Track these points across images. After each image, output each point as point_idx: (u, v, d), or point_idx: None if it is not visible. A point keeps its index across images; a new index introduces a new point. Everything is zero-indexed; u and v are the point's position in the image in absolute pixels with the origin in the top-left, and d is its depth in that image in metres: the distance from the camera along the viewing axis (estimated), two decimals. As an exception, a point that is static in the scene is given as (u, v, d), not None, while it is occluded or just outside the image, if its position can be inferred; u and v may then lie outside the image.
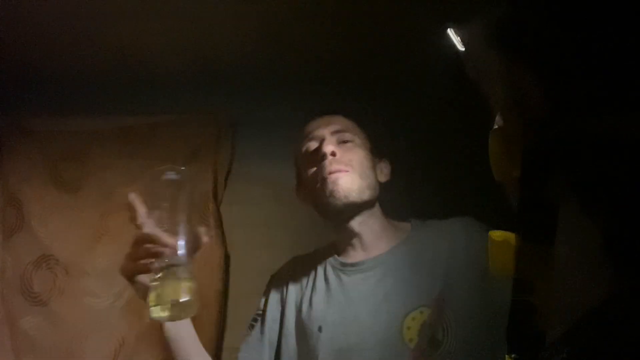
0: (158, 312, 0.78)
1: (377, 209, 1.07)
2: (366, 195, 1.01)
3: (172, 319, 0.82)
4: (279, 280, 1.13)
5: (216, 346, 1.60)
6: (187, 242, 0.83)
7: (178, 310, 0.79)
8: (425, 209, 1.25)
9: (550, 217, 0.54)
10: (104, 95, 1.80)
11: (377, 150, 1.11)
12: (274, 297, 1.10)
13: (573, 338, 0.47)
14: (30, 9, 1.38)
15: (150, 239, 0.82)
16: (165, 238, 0.81)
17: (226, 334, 1.64)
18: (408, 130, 1.63)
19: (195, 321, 0.97)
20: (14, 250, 1.74)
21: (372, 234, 1.04)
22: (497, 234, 0.67)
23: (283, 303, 1.08)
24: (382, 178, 1.09)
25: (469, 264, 0.94)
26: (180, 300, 0.78)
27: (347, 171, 1.00)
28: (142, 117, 1.81)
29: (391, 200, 1.12)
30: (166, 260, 0.80)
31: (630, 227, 0.48)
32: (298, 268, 1.12)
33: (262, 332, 1.08)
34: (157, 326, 1.71)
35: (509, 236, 0.65)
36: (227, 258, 1.70)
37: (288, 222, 1.66)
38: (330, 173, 1.00)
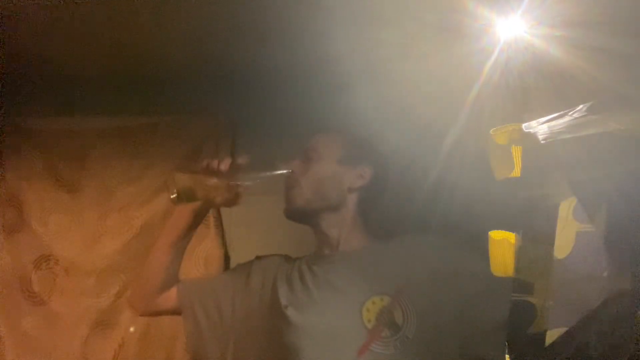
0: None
1: (346, 212, 1.18)
2: (319, 203, 1.17)
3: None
4: (263, 262, 1.24)
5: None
6: (229, 191, 1.10)
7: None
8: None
9: (550, 217, 0.54)
10: (104, 95, 1.80)
11: (354, 157, 1.20)
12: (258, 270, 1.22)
13: (572, 338, 0.47)
14: (30, 9, 1.38)
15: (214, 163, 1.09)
16: (225, 166, 1.08)
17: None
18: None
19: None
20: (14, 250, 1.74)
21: (339, 233, 1.17)
22: (497, 234, 0.67)
23: (263, 281, 1.19)
24: (357, 183, 1.18)
25: (426, 270, 1.07)
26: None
27: (297, 187, 1.16)
28: (142, 117, 1.81)
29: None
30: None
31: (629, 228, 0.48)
32: (282, 260, 1.24)
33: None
34: (157, 327, 1.71)
35: (509, 236, 0.65)
36: (227, 258, 1.71)
37: (288, 222, 1.66)
38: (285, 188, 1.19)
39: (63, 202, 1.77)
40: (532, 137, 0.64)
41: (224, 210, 1.74)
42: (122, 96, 1.79)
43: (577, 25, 0.91)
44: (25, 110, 1.83)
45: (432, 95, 1.28)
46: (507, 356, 0.67)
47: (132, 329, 1.65)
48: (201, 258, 1.67)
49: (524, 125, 0.68)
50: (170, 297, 1.18)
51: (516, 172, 0.66)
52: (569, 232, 0.56)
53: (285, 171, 1.18)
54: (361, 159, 1.20)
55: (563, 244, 0.56)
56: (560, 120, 0.64)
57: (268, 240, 1.67)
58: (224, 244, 1.71)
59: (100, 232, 1.73)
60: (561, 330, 0.51)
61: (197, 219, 1.18)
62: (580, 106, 0.64)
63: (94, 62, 1.68)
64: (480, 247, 0.91)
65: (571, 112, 0.65)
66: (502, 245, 0.65)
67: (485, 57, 1.08)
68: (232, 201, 1.12)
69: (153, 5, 1.37)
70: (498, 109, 1.11)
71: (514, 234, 0.65)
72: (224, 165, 1.09)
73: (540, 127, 0.65)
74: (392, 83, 1.37)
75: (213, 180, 1.08)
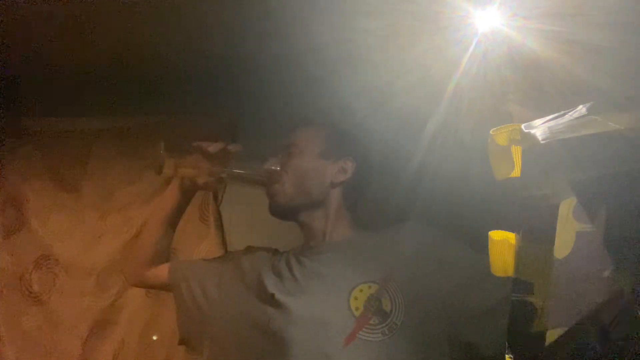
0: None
1: (330, 206, 1.18)
2: (302, 199, 1.17)
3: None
4: (253, 252, 1.27)
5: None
6: (211, 175, 1.14)
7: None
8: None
9: (550, 217, 0.54)
10: (104, 95, 1.80)
11: (336, 151, 1.20)
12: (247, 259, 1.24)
13: (572, 338, 0.47)
14: (31, 9, 1.38)
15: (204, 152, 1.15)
16: (208, 150, 1.14)
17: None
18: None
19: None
20: (14, 250, 1.74)
21: (325, 226, 1.17)
22: (497, 234, 0.67)
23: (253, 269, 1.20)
24: (339, 178, 1.18)
25: (413, 257, 1.08)
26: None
27: (279, 184, 1.17)
28: (142, 117, 1.81)
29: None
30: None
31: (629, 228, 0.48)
32: (271, 252, 1.25)
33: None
34: (157, 327, 1.70)
35: (509, 236, 0.65)
36: (227, 258, 1.71)
37: (288, 222, 1.66)
38: (268, 184, 1.19)
39: (63, 202, 1.77)
40: (532, 137, 0.64)
41: (224, 210, 1.74)
42: (122, 96, 1.79)
43: (552, 17, 0.92)
44: (25, 110, 1.83)
45: (413, 85, 1.28)
46: (507, 356, 0.67)
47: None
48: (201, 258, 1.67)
49: (523, 125, 0.68)
50: (161, 274, 1.23)
51: (516, 172, 0.66)
52: (569, 232, 0.56)
53: (272, 167, 1.18)
54: (343, 153, 1.19)
55: (563, 244, 0.56)
56: (560, 120, 0.64)
57: (268, 241, 1.66)
58: (224, 244, 1.71)
59: (100, 232, 1.73)
60: (561, 330, 0.51)
61: (184, 199, 1.23)
62: (580, 106, 0.64)
63: (94, 62, 1.68)
64: (466, 236, 0.90)
65: (571, 112, 0.65)
66: (502, 245, 0.65)
67: (463, 48, 1.09)
68: (212, 185, 1.19)
69: (153, 5, 1.37)
70: (476, 100, 1.12)
71: (514, 234, 0.65)
72: (213, 149, 1.13)
73: (540, 127, 0.65)
74: (374, 73, 1.38)
75: (198, 161, 1.14)
